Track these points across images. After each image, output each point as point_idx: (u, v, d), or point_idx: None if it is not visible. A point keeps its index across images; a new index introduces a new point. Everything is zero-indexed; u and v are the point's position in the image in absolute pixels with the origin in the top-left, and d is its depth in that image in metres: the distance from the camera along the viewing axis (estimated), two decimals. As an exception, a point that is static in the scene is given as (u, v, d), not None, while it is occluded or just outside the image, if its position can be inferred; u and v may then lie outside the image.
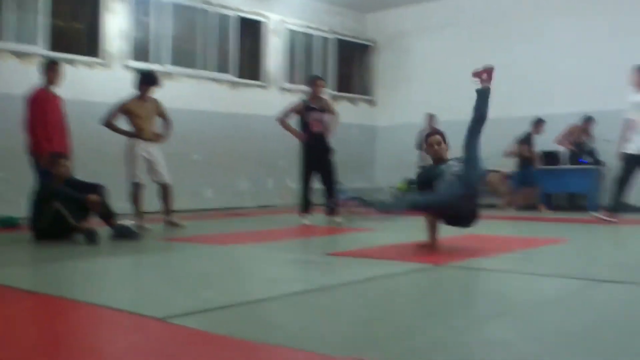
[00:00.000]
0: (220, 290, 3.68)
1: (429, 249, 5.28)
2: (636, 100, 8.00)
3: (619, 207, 8.15)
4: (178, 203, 8.45)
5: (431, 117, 11.96)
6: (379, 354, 2.31)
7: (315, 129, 7.95)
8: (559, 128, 11.00)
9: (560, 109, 11.21)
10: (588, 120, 10.83)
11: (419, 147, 12.21)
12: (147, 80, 7.51)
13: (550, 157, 11.23)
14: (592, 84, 10.97)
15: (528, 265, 4.56)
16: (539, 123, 10.89)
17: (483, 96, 5.18)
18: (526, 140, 10.95)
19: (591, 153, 10.87)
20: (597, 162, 10.84)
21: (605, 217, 8.04)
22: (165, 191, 7.67)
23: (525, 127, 10.99)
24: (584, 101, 11.00)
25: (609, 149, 10.82)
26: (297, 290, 3.59)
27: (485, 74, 5.25)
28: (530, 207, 10.92)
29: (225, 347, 2.46)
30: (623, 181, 8.12)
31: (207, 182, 11.13)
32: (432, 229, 5.34)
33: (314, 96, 8.11)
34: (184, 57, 11.10)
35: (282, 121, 8.11)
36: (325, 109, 8.13)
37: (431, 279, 4.12)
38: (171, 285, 3.91)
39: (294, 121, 8.24)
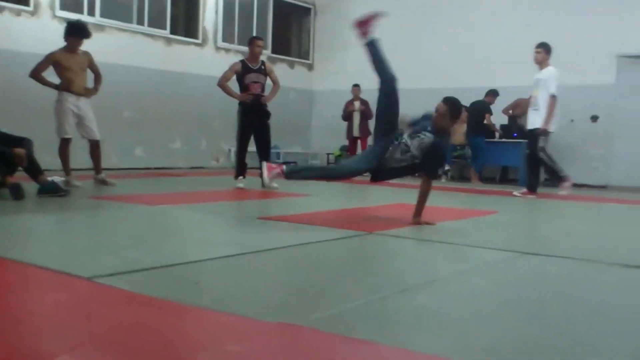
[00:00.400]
0: (149, 250, 3.64)
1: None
2: (537, 77, 8.20)
3: (535, 183, 8.41)
4: (108, 161, 8.28)
5: (356, 88, 12.02)
6: (307, 319, 2.34)
7: (254, 91, 7.84)
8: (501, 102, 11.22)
9: (502, 82, 11.31)
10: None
11: (345, 118, 12.22)
12: (76, 31, 7.25)
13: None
14: (520, 59, 11.17)
15: (457, 235, 4.66)
16: (493, 94, 10.94)
17: (369, 51, 5.15)
18: (489, 110, 10.95)
19: (522, 128, 11.09)
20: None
21: (522, 195, 8.30)
22: (94, 148, 7.48)
23: (463, 99, 11.13)
24: (522, 75, 11.19)
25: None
26: (227, 254, 3.58)
27: (364, 24, 5.16)
28: (465, 178, 11.16)
29: (151, 308, 2.45)
30: (531, 157, 8.39)
31: (138, 140, 10.92)
32: None
33: (253, 57, 7.97)
34: (117, 9, 10.77)
35: (223, 86, 7.91)
36: (266, 72, 8.01)
37: (361, 246, 4.17)
38: (99, 244, 3.84)
39: (232, 83, 8.08)
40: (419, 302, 2.70)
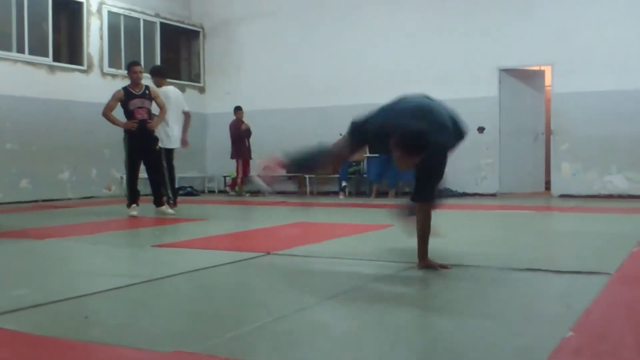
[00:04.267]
0: (34, 287, 3.45)
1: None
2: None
3: (174, 195, 8.30)
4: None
5: (240, 111, 12.17)
6: (202, 346, 2.28)
7: (139, 117, 7.66)
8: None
9: (380, 98, 11.49)
10: None
11: (238, 139, 12.12)
12: None
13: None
14: (405, 75, 11.48)
15: (354, 250, 4.69)
16: None
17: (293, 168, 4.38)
18: None
19: None
20: None
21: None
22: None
23: (344, 117, 11.26)
24: (398, 91, 11.44)
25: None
26: (119, 285, 3.44)
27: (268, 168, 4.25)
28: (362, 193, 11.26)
29: (38, 347, 2.32)
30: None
31: (23, 172, 10.42)
32: None
33: (134, 82, 7.79)
34: (-5, 38, 10.30)
35: (107, 115, 7.67)
36: (151, 97, 7.84)
37: (258, 267, 4.12)
38: (-21, 284, 3.61)
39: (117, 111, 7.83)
40: (316, 319, 2.69)
